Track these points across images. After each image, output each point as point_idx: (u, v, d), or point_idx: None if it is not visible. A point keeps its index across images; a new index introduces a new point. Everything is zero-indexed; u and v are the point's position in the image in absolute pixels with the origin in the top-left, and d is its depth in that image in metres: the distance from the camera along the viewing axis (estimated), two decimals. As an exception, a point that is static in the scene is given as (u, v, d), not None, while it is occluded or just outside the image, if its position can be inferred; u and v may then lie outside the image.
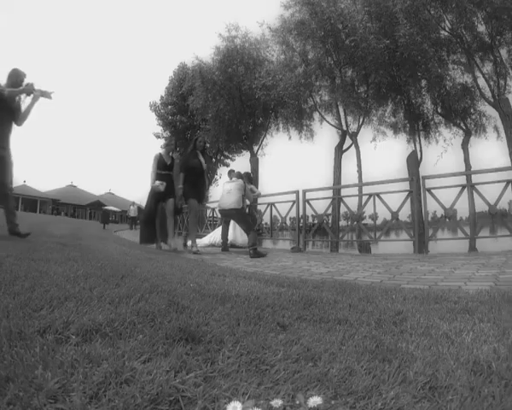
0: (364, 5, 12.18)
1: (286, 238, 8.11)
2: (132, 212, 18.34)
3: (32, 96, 3.59)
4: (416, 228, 5.50)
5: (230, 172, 5.75)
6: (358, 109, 13.73)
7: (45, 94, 3.59)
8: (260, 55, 15.19)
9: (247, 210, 5.92)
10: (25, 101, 3.63)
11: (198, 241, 6.56)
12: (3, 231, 3.60)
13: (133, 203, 18.94)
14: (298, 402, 0.61)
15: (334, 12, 12.08)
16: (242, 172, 5.69)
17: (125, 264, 2.29)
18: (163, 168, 4.78)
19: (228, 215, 5.04)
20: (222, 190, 5.14)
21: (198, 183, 4.86)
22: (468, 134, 13.30)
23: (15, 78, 3.60)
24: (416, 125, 14.26)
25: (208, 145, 18.79)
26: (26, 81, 3.67)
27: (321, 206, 6.32)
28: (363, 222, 7.31)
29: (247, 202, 5.58)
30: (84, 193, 47.86)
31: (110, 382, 0.63)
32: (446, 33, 12.71)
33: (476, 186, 4.65)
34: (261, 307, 1.28)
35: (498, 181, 4.50)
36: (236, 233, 5.80)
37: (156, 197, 4.71)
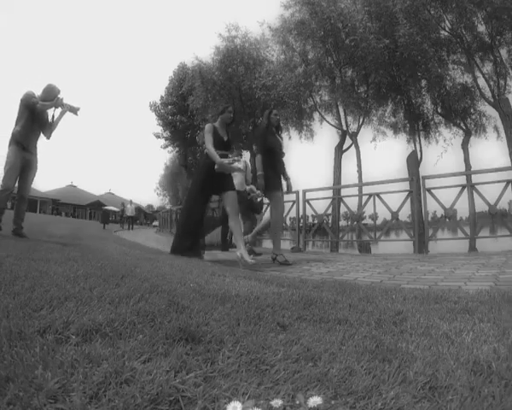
0: (364, 5, 12.20)
1: (286, 238, 8.10)
2: (130, 211, 18.20)
3: (60, 109, 3.75)
4: (416, 228, 5.50)
5: None
6: (358, 109, 13.76)
7: (73, 109, 3.75)
8: (260, 55, 15.22)
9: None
10: (54, 114, 3.81)
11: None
12: (6, 231, 3.61)
13: (131, 202, 18.80)
14: (298, 402, 0.61)
15: (334, 12, 12.10)
16: None
17: (125, 264, 2.29)
18: (219, 146, 3.35)
19: None
20: None
21: (278, 169, 3.65)
22: (468, 134, 13.31)
23: (50, 92, 3.73)
24: (416, 125, 14.28)
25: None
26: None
27: (321, 206, 6.33)
28: (363, 222, 7.31)
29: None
30: (84, 193, 47.87)
31: (110, 382, 0.63)
32: (446, 33, 12.74)
33: (476, 186, 4.65)
34: (261, 307, 1.28)
35: (498, 181, 4.50)
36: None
37: (205, 193, 3.37)
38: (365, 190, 6.20)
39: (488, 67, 12.74)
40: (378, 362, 0.81)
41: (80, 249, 3.01)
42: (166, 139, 21.52)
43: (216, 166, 3.17)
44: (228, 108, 3.56)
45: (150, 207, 50.08)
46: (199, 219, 3.42)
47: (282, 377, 0.71)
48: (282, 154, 3.73)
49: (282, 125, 4.00)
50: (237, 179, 4.95)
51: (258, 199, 3.52)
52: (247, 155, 16.67)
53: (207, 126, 3.43)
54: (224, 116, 3.49)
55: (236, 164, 3.22)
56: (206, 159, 3.39)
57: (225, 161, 3.19)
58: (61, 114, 3.78)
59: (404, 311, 1.33)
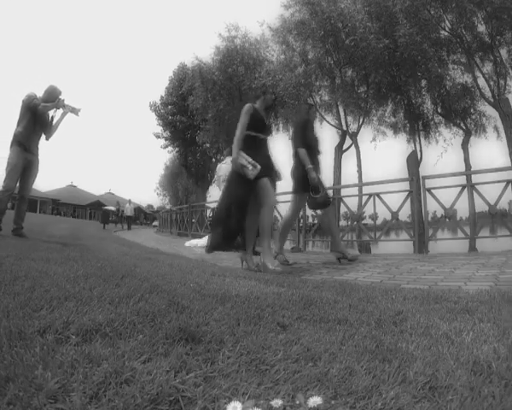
0: (364, 5, 12.21)
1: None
2: (129, 211, 18.16)
3: (61, 111, 3.77)
4: (416, 228, 5.50)
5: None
6: (358, 109, 13.76)
7: (74, 110, 3.77)
8: (260, 55, 15.22)
9: None
10: (54, 115, 3.84)
11: (197, 241, 6.54)
12: (6, 231, 3.61)
13: (129, 201, 18.77)
14: (298, 402, 0.61)
15: (334, 11, 12.11)
16: None
17: (125, 264, 2.29)
18: (259, 128, 2.93)
19: None
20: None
21: (317, 169, 3.31)
22: (468, 134, 13.32)
23: (51, 93, 3.76)
24: (416, 125, 14.28)
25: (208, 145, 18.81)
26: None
27: (321, 206, 6.31)
28: (363, 222, 7.31)
29: None
30: (84, 193, 47.86)
31: (110, 382, 0.63)
32: (446, 33, 12.73)
33: (476, 186, 4.65)
34: (261, 307, 1.28)
35: (498, 181, 4.50)
36: (236, 233, 5.79)
37: (248, 181, 2.78)
38: (365, 190, 6.20)
39: (488, 67, 12.75)
40: (378, 362, 0.81)
41: (80, 249, 3.01)
42: (166, 139, 21.48)
43: (230, 159, 2.89)
44: (269, 89, 3.23)
45: (150, 207, 50.03)
46: (237, 210, 2.85)
47: (282, 377, 0.71)
48: (319, 151, 3.47)
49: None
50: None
51: (317, 196, 3.17)
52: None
53: (247, 107, 2.93)
54: (267, 97, 3.06)
55: (250, 171, 2.75)
56: (240, 143, 2.90)
57: (243, 160, 2.77)
58: (63, 115, 3.80)
59: (404, 311, 1.32)
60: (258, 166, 2.74)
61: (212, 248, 3.00)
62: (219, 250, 3.09)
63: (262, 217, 2.84)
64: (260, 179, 2.80)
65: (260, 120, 2.95)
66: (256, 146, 2.90)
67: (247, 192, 2.83)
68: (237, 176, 2.84)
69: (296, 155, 3.28)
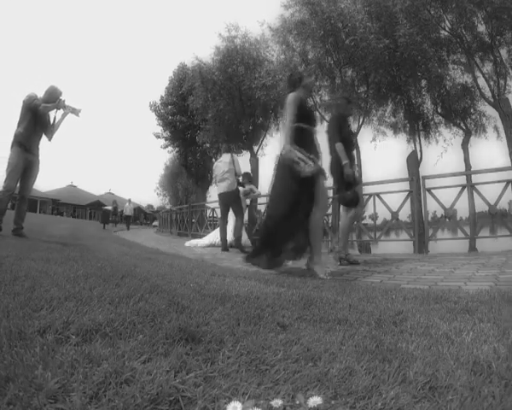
0: (364, 5, 12.20)
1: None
2: (128, 210, 18.11)
3: (62, 111, 3.77)
4: (416, 228, 5.50)
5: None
6: (358, 109, 13.74)
7: (74, 111, 3.79)
8: (260, 55, 15.19)
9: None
10: (55, 116, 3.84)
11: (197, 241, 6.54)
12: (6, 231, 3.61)
13: (129, 201, 18.73)
14: (298, 402, 0.61)
15: (334, 11, 12.11)
16: (242, 172, 5.63)
17: (125, 264, 2.29)
18: (307, 119, 2.62)
19: (222, 199, 5.16)
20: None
21: (353, 164, 3.18)
22: (468, 134, 13.31)
23: (52, 94, 3.76)
24: (416, 125, 14.27)
25: (208, 145, 18.81)
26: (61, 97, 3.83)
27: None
28: (363, 222, 7.31)
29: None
30: (84, 193, 47.82)
31: (110, 382, 0.63)
32: (446, 33, 12.72)
33: (476, 186, 4.65)
34: (261, 307, 1.28)
35: (498, 181, 4.50)
36: (236, 233, 5.78)
37: (304, 183, 2.47)
38: (365, 190, 6.18)
39: (488, 67, 12.73)
40: (378, 362, 0.81)
41: (80, 249, 3.01)
42: (166, 139, 21.46)
43: (284, 151, 2.50)
44: (303, 73, 2.95)
45: (150, 207, 49.96)
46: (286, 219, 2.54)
47: (282, 377, 0.71)
48: (353, 146, 3.38)
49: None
50: (230, 180, 5.05)
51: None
52: (247, 156, 16.70)
53: (293, 96, 2.55)
54: (306, 84, 2.69)
55: (306, 167, 2.41)
56: (293, 133, 2.52)
57: (295, 155, 2.42)
58: (63, 115, 3.81)
59: (404, 311, 1.33)
60: (312, 164, 2.43)
61: (249, 259, 2.74)
62: (260, 267, 2.74)
63: (314, 219, 2.58)
64: (318, 178, 2.53)
65: (309, 112, 2.66)
66: (310, 141, 2.58)
67: (301, 197, 2.50)
68: (287, 181, 2.50)
69: (334, 151, 3.13)
